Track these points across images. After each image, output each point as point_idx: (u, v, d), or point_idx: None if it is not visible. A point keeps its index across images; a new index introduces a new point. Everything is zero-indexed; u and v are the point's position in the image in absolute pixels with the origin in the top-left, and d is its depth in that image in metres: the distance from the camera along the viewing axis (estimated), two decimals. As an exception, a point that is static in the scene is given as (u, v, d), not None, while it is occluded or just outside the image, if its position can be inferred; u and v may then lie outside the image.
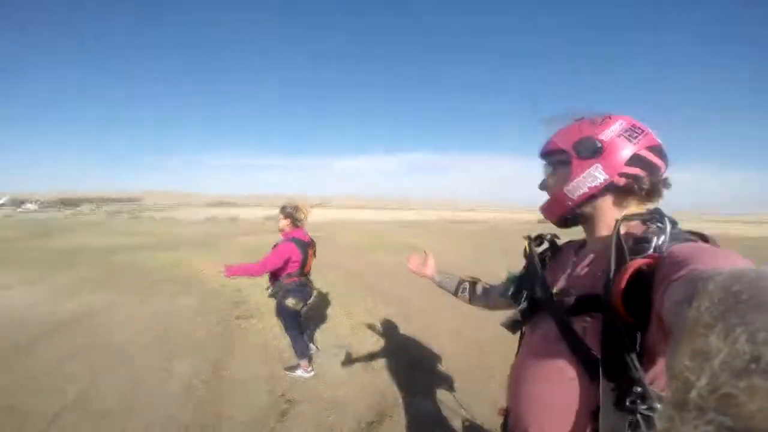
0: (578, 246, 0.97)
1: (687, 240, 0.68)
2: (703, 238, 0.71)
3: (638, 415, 0.67)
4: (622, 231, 0.77)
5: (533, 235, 1.05)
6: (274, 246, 3.09)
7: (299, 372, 3.21)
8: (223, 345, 3.81)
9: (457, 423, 2.52)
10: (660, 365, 0.68)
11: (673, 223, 0.72)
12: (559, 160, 0.89)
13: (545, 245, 1.04)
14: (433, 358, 3.60)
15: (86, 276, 6.98)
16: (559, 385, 0.80)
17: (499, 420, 1.07)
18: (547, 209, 0.94)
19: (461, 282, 1.40)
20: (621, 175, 0.80)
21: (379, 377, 3.19)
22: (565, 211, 0.88)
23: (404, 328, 4.44)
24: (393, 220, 28.78)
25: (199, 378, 3.11)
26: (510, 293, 1.05)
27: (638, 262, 0.64)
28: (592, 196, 0.83)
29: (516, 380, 0.95)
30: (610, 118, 0.83)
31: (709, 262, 0.54)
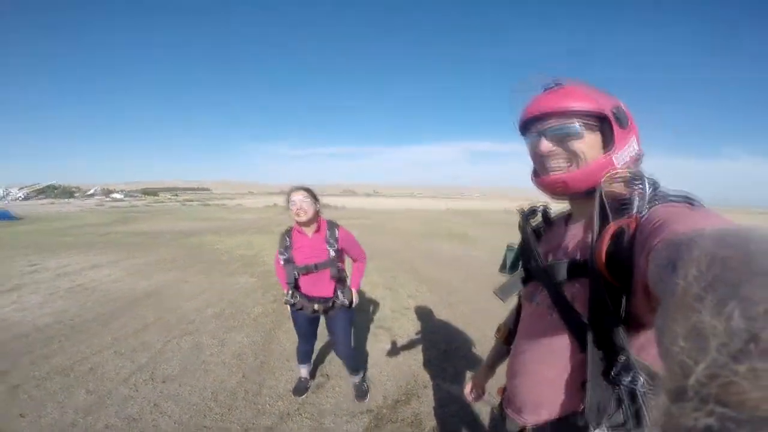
0: (567, 216, 0.96)
1: (669, 201, 0.66)
2: (688, 199, 0.66)
3: (622, 388, 0.66)
4: (610, 192, 0.77)
5: (526, 208, 1.04)
6: (332, 236, 2.38)
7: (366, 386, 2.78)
8: (276, 321, 4.10)
9: (484, 408, 2.55)
10: (647, 334, 0.67)
11: (654, 185, 0.70)
12: (590, 123, 0.79)
13: (539, 218, 1.03)
14: (470, 345, 3.61)
15: (161, 256, 7.81)
16: (551, 356, 0.81)
17: (498, 399, 1.10)
18: (578, 177, 0.79)
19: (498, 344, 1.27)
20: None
21: (413, 360, 3.28)
22: (600, 181, 0.77)
23: (446, 315, 4.48)
24: (447, 209, 28.40)
25: (251, 349, 3.42)
26: (508, 267, 1.05)
27: (618, 223, 0.64)
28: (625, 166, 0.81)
29: (513, 354, 0.97)
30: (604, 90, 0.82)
31: (688, 221, 0.53)
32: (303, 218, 2.26)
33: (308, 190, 2.31)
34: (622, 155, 0.78)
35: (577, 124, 0.78)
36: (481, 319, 4.36)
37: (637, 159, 0.81)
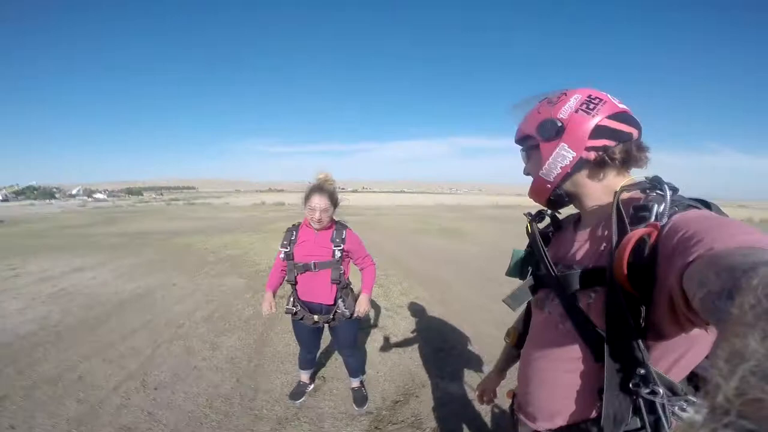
0: (576, 220, 0.95)
1: (689, 206, 0.65)
2: (706, 204, 0.67)
3: (640, 399, 0.66)
4: (625, 199, 0.76)
5: (534, 212, 1.03)
6: (338, 236, 2.25)
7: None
8: (267, 323, 4.03)
9: (484, 407, 2.54)
10: (665, 344, 0.66)
11: (674, 190, 0.69)
12: (529, 145, 0.89)
13: (547, 221, 1.03)
14: (465, 342, 3.61)
15: (147, 258, 7.63)
16: (565, 365, 0.80)
17: (508, 402, 1.10)
18: (532, 194, 0.93)
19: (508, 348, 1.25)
20: (588, 149, 0.78)
21: (409, 358, 3.27)
22: (548, 194, 0.88)
23: (439, 312, 4.48)
24: (437, 204, 28.43)
25: (243, 352, 3.35)
26: (515, 272, 1.03)
27: (639, 232, 0.62)
28: (567, 175, 0.82)
29: (524, 360, 0.96)
30: (565, 94, 0.82)
31: (725, 236, 0.49)
32: (318, 227, 2.20)
33: (330, 195, 2.18)
34: (548, 168, 0.83)
35: (522, 149, 0.93)
36: (475, 315, 4.37)
37: (576, 162, 0.80)
